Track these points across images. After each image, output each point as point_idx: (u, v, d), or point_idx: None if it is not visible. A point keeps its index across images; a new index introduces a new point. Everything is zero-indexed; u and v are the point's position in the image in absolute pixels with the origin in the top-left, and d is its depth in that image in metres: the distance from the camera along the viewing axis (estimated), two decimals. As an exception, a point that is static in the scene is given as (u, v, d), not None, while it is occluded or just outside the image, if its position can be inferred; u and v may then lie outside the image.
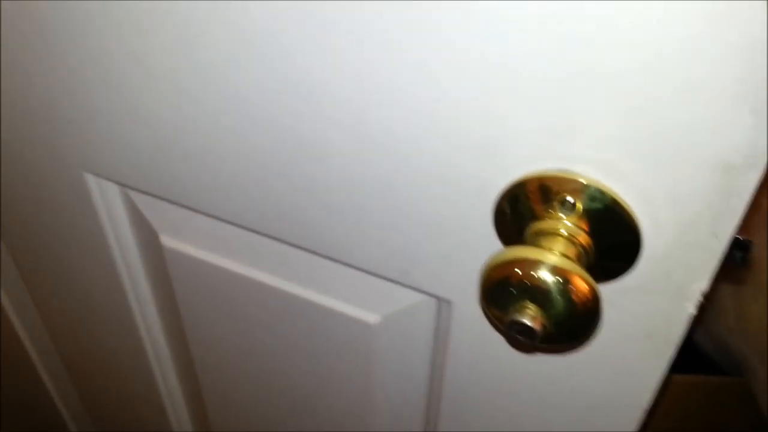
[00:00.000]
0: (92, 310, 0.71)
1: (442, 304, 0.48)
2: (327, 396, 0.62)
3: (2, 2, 0.46)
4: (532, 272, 0.34)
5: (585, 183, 0.35)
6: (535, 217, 0.37)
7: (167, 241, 0.57)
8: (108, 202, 0.58)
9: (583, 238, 0.36)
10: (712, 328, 0.99)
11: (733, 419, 1.01)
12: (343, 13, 0.36)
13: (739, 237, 0.35)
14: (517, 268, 0.34)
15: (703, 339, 1.03)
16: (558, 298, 0.34)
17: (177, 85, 0.44)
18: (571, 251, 0.36)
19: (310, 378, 0.61)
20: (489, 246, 0.41)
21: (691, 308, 0.38)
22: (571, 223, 0.36)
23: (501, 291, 0.35)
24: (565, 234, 0.36)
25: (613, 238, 0.36)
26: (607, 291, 0.39)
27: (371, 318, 0.53)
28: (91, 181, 0.56)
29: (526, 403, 0.49)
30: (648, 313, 0.39)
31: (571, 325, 0.35)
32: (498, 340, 0.46)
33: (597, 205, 0.36)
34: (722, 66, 0.29)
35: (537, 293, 0.34)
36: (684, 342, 1.01)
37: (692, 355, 1.03)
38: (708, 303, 0.99)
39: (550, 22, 0.31)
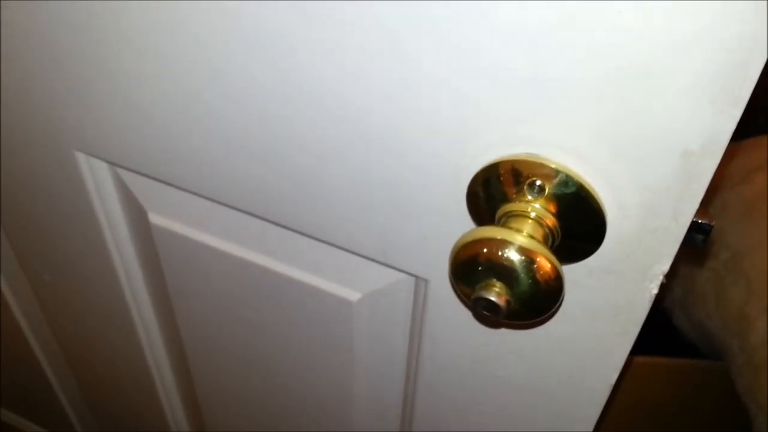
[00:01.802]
0: (83, 285, 0.73)
1: (420, 282, 0.50)
2: (308, 370, 0.64)
3: (-6, -18, 0.47)
4: (499, 251, 0.36)
5: (553, 167, 0.37)
6: (506, 199, 0.39)
7: (155, 218, 0.59)
8: (98, 180, 0.59)
9: (551, 220, 0.38)
10: (692, 313, 1.01)
11: (711, 401, 1.03)
12: (325, 9, 0.37)
13: (699, 220, 0.37)
14: (485, 248, 0.36)
15: (684, 324, 1.05)
16: (523, 277, 0.36)
17: (166, 67, 0.46)
18: (539, 233, 0.37)
19: (293, 353, 0.63)
20: (463, 227, 0.43)
21: (654, 289, 0.40)
22: (539, 205, 0.38)
23: (469, 269, 0.37)
24: (534, 216, 0.38)
25: (579, 221, 0.38)
26: (574, 272, 0.41)
27: (352, 295, 0.54)
28: (81, 159, 0.57)
29: (498, 378, 0.51)
30: (613, 294, 0.41)
31: (535, 302, 0.37)
32: (471, 317, 0.47)
33: (564, 189, 0.37)
34: (683, 56, 0.31)
35: (503, 271, 0.36)
36: (665, 326, 1.02)
37: (673, 340, 1.05)
38: (690, 286, 1.01)
39: (520, 14, 0.33)
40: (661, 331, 1.06)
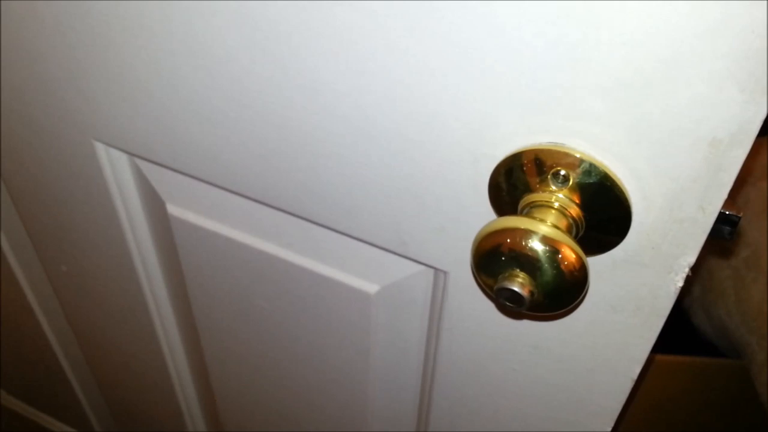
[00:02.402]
0: (100, 276, 0.73)
1: (439, 274, 0.49)
2: (325, 362, 0.64)
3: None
4: (522, 241, 0.35)
5: (578, 157, 0.36)
6: (528, 189, 0.38)
7: (173, 209, 0.59)
8: (116, 170, 0.59)
9: (575, 210, 0.37)
10: (712, 310, 1.00)
11: (731, 399, 1.02)
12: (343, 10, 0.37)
13: (727, 212, 0.36)
14: (509, 237, 0.36)
15: (703, 322, 1.03)
16: (547, 267, 0.35)
17: (185, 58, 0.45)
18: (562, 223, 0.37)
19: (309, 345, 0.63)
20: (484, 218, 0.42)
21: (679, 282, 0.39)
22: (563, 195, 0.37)
23: (492, 259, 0.36)
24: (557, 206, 0.37)
25: (603, 212, 0.37)
26: (597, 263, 0.40)
27: (370, 288, 0.54)
28: (101, 149, 0.57)
29: (517, 371, 0.50)
30: (637, 286, 0.40)
31: (559, 293, 0.36)
32: (491, 309, 0.47)
33: (589, 179, 0.36)
34: (710, 43, 0.30)
35: (526, 262, 0.35)
36: (685, 325, 1.01)
37: (693, 338, 1.04)
38: (709, 284, 0.99)
39: (542, 2, 0.32)
40: (681, 329, 1.05)
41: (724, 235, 0.37)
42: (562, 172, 0.37)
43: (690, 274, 0.39)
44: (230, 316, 0.66)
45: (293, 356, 0.66)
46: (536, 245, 0.35)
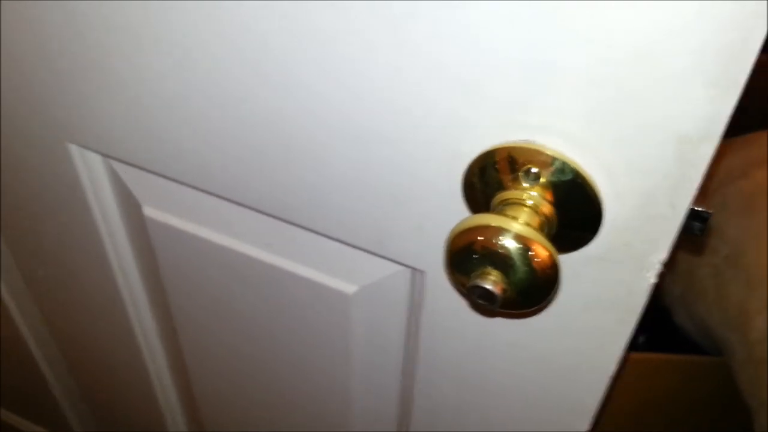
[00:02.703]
0: (77, 280, 0.72)
1: (416, 274, 0.49)
2: (305, 363, 0.63)
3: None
4: (494, 239, 0.35)
5: (549, 155, 0.36)
6: (501, 187, 0.38)
7: (149, 211, 0.58)
8: (91, 172, 0.59)
9: (547, 208, 0.37)
10: (693, 309, 1.00)
11: (713, 397, 1.03)
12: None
13: (697, 208, 0.36)
14: (480, 235, 0.35)
15: (685, 321, 1.04)
16: (519, 265, 0.35)
17: (160, 58, 0.45)
18: (534, 220, 0.37)
19: (289, 346, 0.63)
20: (460, 217, 0.42)
21: (651, 278, 0.39)
22: (535, 193, 0.37)
23: (465, 257, 0.36)
24: (530, 204, 0.37)
25: (575, 209, 0.37)
26: (570, 260, 0.40)
27: (348, 288, 0.54)
28: (75, 151, 0.57)
29: (495, 370, 0.50)
30: (610, 283, 0.41)
31: (531, 290, 0.36)
32: (467, 308, 0.47)
33: (561, 176, 0.37)
34: (676, 39, 0.30)
35: (499, 260, 0.35)
36: (667, 324, 1.02)
37: (676, 337, 1.05)
38: (689, 282, 1.00)
39: (513, 2, 0.32)
40: (665, 328, 1.05)
41: (695, 231, 0.37)
42: (534, 170, 0.37)
43: (663, 270, 0.39)
44: (209, 317, 0.66)
45: (273, 357, 0.66)
46: (508, 243, 0.35)
